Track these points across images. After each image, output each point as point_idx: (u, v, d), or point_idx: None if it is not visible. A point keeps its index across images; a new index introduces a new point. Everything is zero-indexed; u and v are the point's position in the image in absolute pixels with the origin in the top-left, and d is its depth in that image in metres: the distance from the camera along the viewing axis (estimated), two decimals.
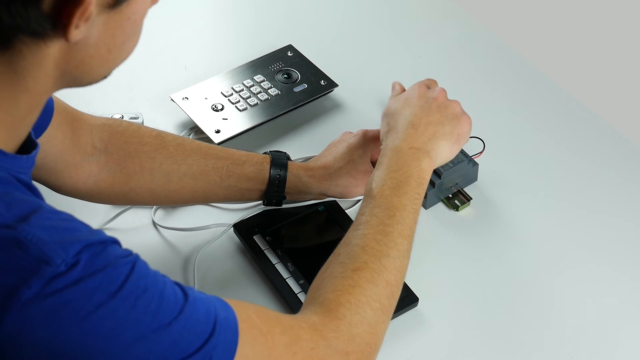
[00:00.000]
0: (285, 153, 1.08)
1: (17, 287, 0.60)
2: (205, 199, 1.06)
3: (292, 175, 1.05)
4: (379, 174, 0.92)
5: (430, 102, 0.98)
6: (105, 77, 0.72)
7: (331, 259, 0.86)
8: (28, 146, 0.73)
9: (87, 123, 0.99)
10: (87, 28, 0.64)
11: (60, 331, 0.62)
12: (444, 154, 0.97)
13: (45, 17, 0.61)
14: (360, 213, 0.89)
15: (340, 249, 0.86)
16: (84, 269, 0.62)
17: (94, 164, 0.99)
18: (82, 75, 0.69)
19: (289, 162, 1.06)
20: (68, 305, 0.61)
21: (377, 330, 0.81)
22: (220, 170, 1.03)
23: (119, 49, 0.69)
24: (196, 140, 1.06)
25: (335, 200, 1.10)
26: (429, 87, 1.02)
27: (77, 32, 0.63)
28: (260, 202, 1.09)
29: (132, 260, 0.66)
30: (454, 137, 0.97)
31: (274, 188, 1.05)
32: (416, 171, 0.92)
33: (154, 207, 1.11)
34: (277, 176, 1.04)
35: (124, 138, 1.00)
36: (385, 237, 0.86)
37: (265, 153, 1.08)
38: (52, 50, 0.64)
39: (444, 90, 1.01)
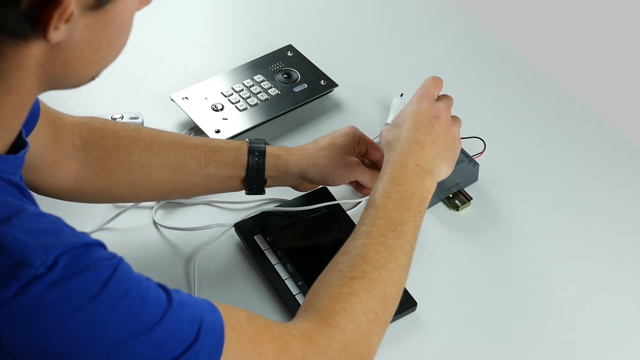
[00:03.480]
0: (264, 139, 1.06)
1: None
2: (186, 190, 1.05)
3: (271, 157, 1.04)
4: (383, 185, 0.91)
5: (434, 120, 0.97)
6: (93, 78, 0.71)
7: (329, 266, 0.86)
8: (17, 146, 0.72)
9: (67, 122, 0.98)
10: (69, 29, 0.63)
11: (39, 333, 0.61)
12: (441, 175, 0.97)
13: (24, 18, 0.60)
14: (361, 222, 0.89)
15: (339, 257, 0.86)
16: (63, 271, 0.61)
17: (74, 162, 0.98)
18: (67, 76, 0.68)
19: (267, 146, 1.05)
20: (46, 308, 0.61)
21: (370, 340, 0.81)
22: (198, 159, 1.02)
23: (104, 51, 0.68)
24: (173, 132, 1.05)
25: (338, 203, 1.10)
26: (433, 98, 1.00)
27: (56, 34, 0.62)
28: (257, 200, 1.09)
29: (114, 263, 0.65)
30: (451, 161, 0.98)
31: (254, 172, 1.03)
32: (420, 189, 0.91)
33: (155, 206, 1.11)
34: (256, 159, 1.03)
35: (101, 133, 1.00)
36: (385, 250, 0.85)
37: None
38: (34, 51, 0.63)
39: (448, 108, 1.00)
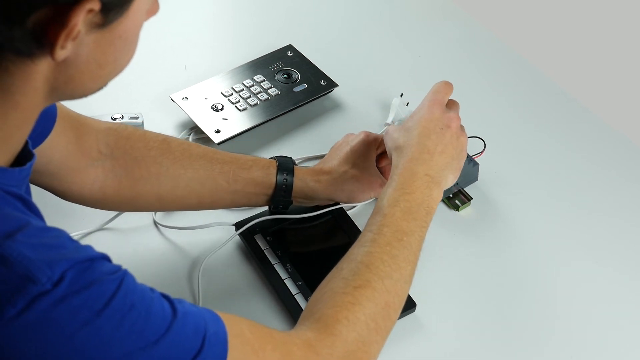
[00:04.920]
0: (291, 158, 1.08)
1: (1, 305, 0.59)
2: (212, 204, 1.05)
3: (299, 181, 1.05)
4: (391, 192, 0.91)
5: (445, 129, 0.97)
6: (99, 89, 0.70)
7: (333, 272, 0.85)
8: (25, 157, 0.72)
9: (92, 128, 0.98)
10: (75, 47, 0.63)
11: (46, 349, 0.61)
12: (447, 184, 0.97)
13: (30, 37, 0.60)
14: (367, 229, 0.88)
15: (344, 264, 0.85)
16: (69, 287, 0.61)
17: (100, 168, 0.98)
18: (73, 90, 0.68)
19: (295, 167, 1.06)
20: (53, 324, 0.61)
21: (370, 349, 0.81)
22: (226, 175, 1.02)
23: (111, 65, 0.68)
24: (202, 145, 1.05)
25: (341, 207, 1.10)
26: (444, 104, 1.00)
27: (63, 52, 0.62)
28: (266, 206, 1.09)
29: (119, 276, 0.65)
30: (457, 171, 0.98)
31: (281, 193, 1.04)
32: (427, 199, 0.91)
33: None
34: (284, 181, 1.04)
35: (130, 143, 1.00)
36: (391, 259, 0.85)
37: (271, 158, 1.07)
38: (40, 68, 0.63)
39: (459, 117, 1.00)
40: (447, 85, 1.03)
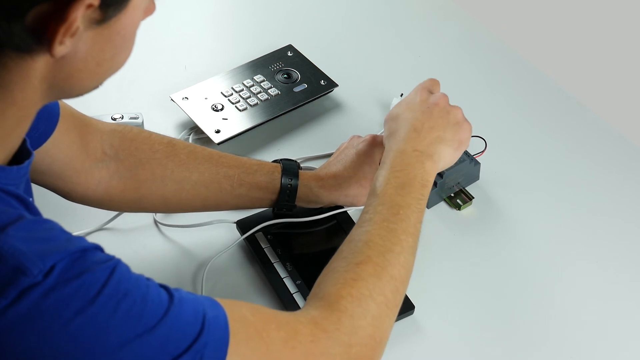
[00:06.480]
0: (296, 161, 1.08)
1: None
2: (216, 207, 1.06)
3: (303, 186, 1.05)
4: (382, 173, 0.91)
5: (432, 107, 0.97)
6: (96, 87, 0.70)
7: (335, 256, 0.85)
8: (23, 156, 0.72)
9: (97, 129, 0.98)
10: (74, 43, 0.63)
11: (40, 339, 0.61)
12: (446, 158, 0.96)
13: (29, 33, 0.60)
14: (364, 211, 0.89)
15: (344, 246, 0.86)
16: (59, 277, 0.61)
17: (104, 170, 0.98)
18: (70, 87, 0.68)
19: (300, 171, 1.06)
20: (45, 314, 0.61)
21: (381, 323, 0.80)
22: (231, 179, 1.03)
23: (108, 63, 0.68)
24: (207, 148, 1.05)
25: (340, 205, 1.09)
26: (431, 91, 1.01)
27: (61, 48, 0.62)
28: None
29: (111, 265, 0.65)
30: (455, 143, 0.97)
31: (285, 197, 1.05)
32: (420, 173, 0.91)
33: None
34: (289, 186, 1.04)
35: (135, 144, 1.00)
36: (389, 234, 0.85)
37: (275, 161, 1.08)
38: (39, 64, 0.64)
39: (446, 96, 1.00)
40: (433, 80, 1.04)
